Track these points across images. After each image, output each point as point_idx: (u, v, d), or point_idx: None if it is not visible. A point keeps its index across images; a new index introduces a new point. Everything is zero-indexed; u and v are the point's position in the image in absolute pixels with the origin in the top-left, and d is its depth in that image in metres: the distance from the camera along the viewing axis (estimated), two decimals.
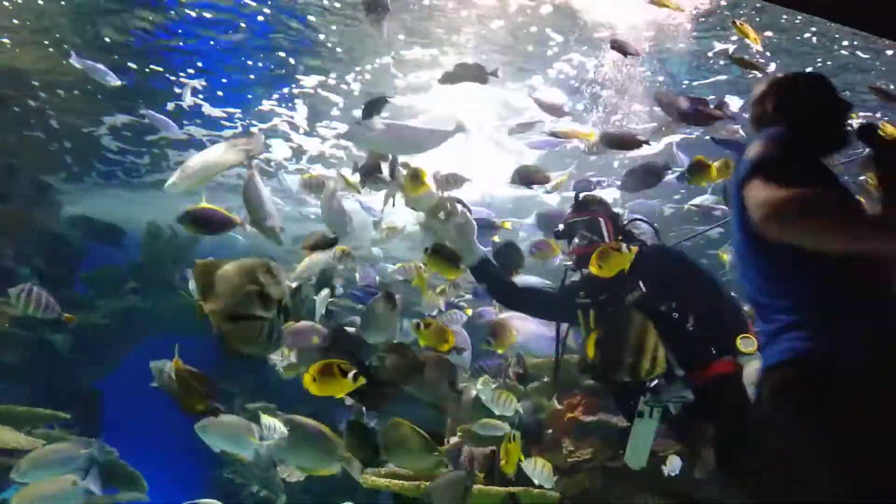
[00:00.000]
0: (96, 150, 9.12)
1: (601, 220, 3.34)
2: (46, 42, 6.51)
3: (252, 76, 7.07)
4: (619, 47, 4.10)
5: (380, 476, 4.42)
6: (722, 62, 6.42)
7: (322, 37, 6.28)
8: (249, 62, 6.79)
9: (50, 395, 7.77)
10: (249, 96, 7.50)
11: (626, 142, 4.00)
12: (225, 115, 7.87)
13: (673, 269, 3.20)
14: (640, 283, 3.11)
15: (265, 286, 2.19)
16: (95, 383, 9.92)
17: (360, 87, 7.15)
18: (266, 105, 7.67)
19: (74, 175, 10.04)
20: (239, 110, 7.79)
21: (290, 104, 7.60)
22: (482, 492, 3.91)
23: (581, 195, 3.50)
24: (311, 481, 6.81)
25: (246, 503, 7.73)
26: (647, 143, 3.89)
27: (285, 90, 7.36)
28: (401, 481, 4.27)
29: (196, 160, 2.72)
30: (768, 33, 5.92)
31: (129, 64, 6.91)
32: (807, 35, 5.98)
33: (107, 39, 6.44)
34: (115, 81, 5.94)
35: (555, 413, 4.63)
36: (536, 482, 3.71)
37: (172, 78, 7.13)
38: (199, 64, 6.86)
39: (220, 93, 7.38)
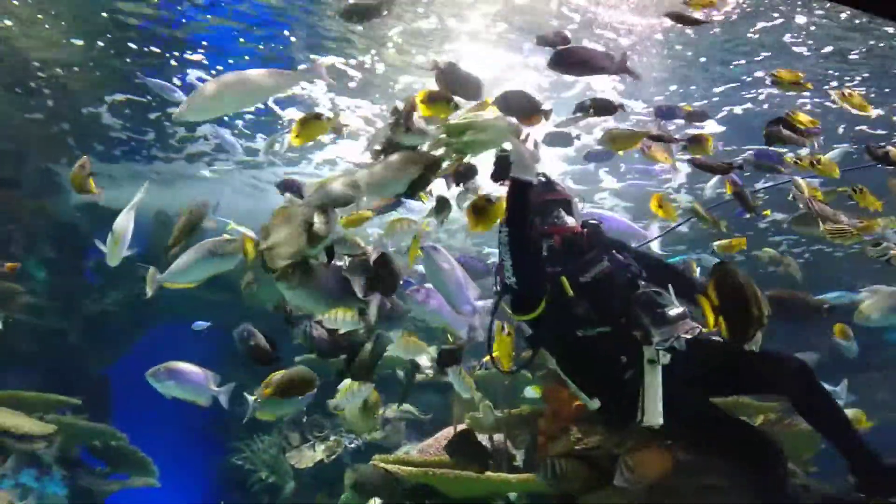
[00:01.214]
0: (99, 130, 9.04)
1: (571, 200, 3.57)
2: (41, 15, 6.42)
3: (247, 58, 7.00)
4: (545, 41, 3.68)
5: (388, 462, 4.45)
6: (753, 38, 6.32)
7: (328, 20, 6.22)
8: (247, 43, 6.74)
9: (60, 382, 7.85)
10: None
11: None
12: None
13: (616, 242, 3.60)
14: (606, 255, 3.38)
15: (314, 224, 2.31)
16: (105, 370, 10.01)
17: (382, 68, 7.05)
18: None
19: (77, 159, 10.07)
20: None
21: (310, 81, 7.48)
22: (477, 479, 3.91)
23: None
24: (321, 468, 6.86)
25: (255, 489, 7.79)
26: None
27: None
28: (409, 467, 4.29)
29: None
30: (818, 11, 5.86)
31: (130, 45, 6.84)
32: (844, 15, 5.90)
33: (103, 14, 6.35)
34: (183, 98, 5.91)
35: (561, 400, 4.63)
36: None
37: (176, 53, 7.05)
38: (204, 43, 6.80)
39: (219, 67, 7.25)
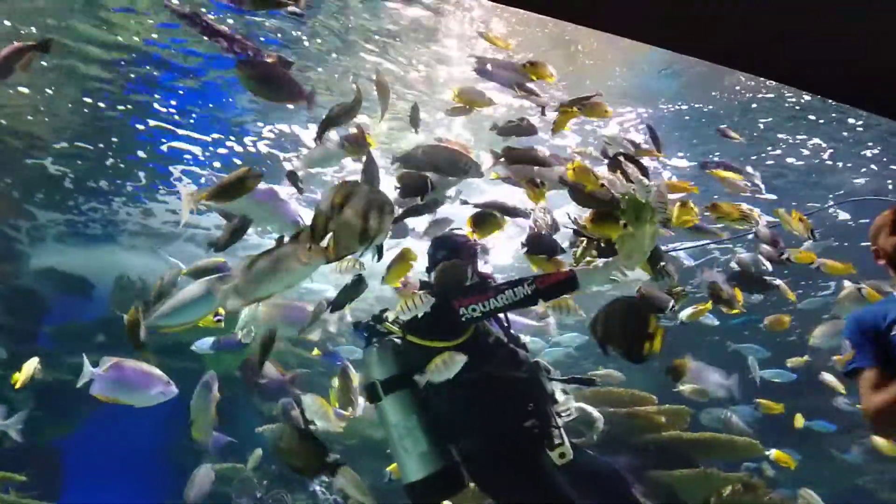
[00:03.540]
0: (46, 182, 8.74)
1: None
2: None
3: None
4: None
5: None
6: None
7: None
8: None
9: (10, 455, 7.43)
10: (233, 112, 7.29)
11: None
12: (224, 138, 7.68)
13: None
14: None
15: (366, 221, 2.22)
16: (58, 441, 9.52)
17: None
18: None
19: (25, 214, 9.62)
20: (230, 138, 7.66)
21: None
22: None
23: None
24: None
25: None
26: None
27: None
28: None
29: None
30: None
31: (98, 105, 6.80)
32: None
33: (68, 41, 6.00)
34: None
35: None
36: None
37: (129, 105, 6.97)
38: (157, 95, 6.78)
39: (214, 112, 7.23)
